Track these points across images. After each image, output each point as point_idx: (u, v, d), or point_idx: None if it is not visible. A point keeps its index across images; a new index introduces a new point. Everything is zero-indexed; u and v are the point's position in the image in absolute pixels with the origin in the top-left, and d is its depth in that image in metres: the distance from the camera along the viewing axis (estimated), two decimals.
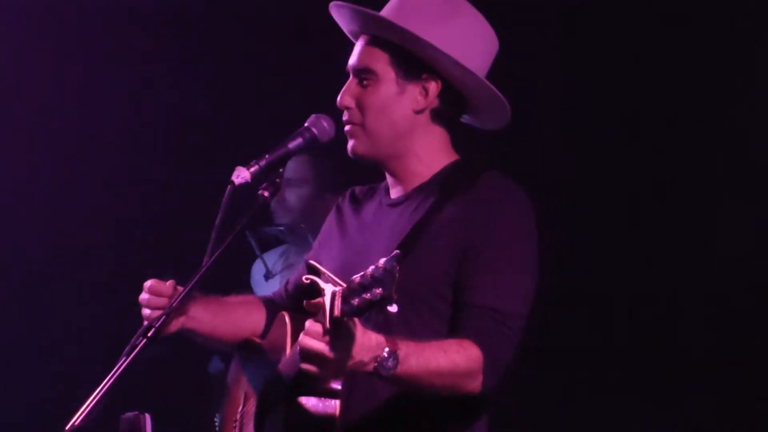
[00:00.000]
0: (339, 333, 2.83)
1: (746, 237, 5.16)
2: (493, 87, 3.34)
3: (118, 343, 3.06)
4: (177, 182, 6.00)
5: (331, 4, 3.40)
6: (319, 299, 2.82)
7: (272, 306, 3.60)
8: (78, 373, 5.61)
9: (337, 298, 2.76)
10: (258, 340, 3.53)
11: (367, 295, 2.70)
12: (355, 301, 2.72)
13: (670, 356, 5.21)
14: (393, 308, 2.71)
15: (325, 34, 3.60)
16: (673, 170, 5.25)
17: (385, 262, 2.70)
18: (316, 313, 2.86)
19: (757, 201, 5.14)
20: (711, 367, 5.14)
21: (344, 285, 2.77)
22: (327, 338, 2.83)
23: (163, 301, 3.24)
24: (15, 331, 6.00)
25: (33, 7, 5.94)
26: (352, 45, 3.43)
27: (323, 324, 2.81)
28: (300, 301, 3.05)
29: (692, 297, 5.21)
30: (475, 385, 3.11)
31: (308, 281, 2.86)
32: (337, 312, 2.76)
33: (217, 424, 5.02)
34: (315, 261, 3.43)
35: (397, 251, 2.73)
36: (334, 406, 3.10)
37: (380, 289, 2.69)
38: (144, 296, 3.28)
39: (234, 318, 3.55)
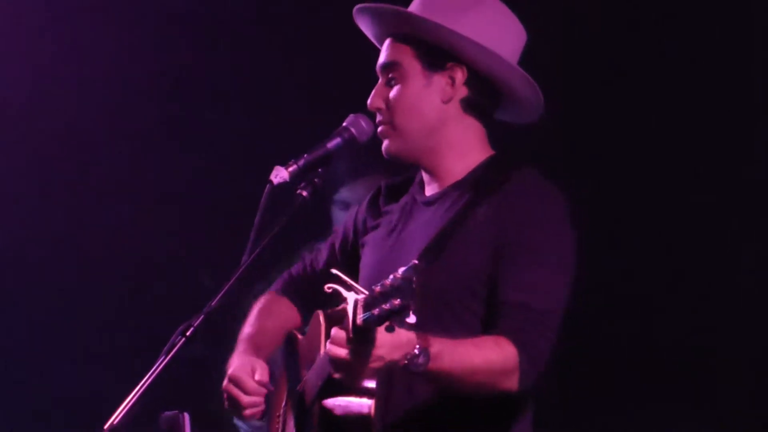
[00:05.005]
0: (362, 340, 2.87)
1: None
2: (520, 69, 3.34)
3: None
4: (213, 181, 6.01)
5: (354, 10, 3.43)
6: (344, 306, 2.87)
7: (296, 293, 3.64)
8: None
9: (359, 306, 2.81)
10: (299, 336, 3.56)
11: (386, 306, 2.73)
12: (376, 311, 2.75)
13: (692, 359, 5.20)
14: (411, 319, 2.72)
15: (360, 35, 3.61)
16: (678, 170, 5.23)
17: (404, 272, 2.72)
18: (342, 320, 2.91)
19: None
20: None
21: (366, 293, 2.80)
22: (351, 345, 2.88)
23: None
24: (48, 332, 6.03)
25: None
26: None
27: (347, 332, 2.86)
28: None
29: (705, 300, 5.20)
30: (512, 383, 3.10)
31: (330, 290, 2.91)
32: (359, 321, 2.81)
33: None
34: (347, 248, 3.52)
35: (415, 261, 2.74)
36: (368, 405, 3.11)
37: (398, 299, 2.71)
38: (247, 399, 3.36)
39: (277, 336, 3.61)
